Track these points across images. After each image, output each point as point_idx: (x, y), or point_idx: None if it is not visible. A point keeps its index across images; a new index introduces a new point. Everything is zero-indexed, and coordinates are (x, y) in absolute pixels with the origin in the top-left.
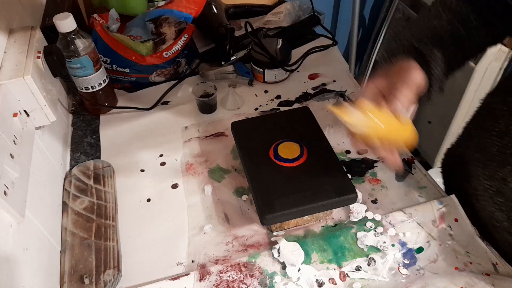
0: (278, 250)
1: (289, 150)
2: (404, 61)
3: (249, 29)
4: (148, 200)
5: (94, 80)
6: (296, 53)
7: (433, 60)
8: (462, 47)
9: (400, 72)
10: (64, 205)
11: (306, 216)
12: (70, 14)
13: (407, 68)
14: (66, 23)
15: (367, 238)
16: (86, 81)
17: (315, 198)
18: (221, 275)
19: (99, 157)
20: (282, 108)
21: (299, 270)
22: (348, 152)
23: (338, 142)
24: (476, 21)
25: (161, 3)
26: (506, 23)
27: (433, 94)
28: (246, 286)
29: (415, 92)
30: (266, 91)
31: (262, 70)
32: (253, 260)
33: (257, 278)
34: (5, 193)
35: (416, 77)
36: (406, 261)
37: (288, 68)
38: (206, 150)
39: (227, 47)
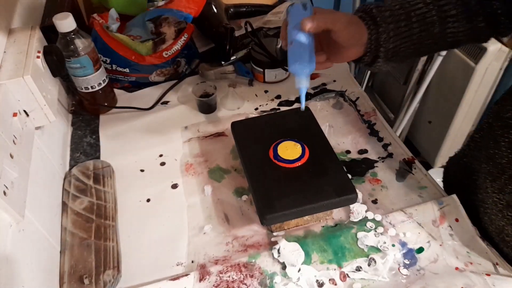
0: (278, 250)
1: (290, 150)
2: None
3: (249, 29)
4: (148, 200)
5: (93, 80)
6: None
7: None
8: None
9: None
10: (64, 205)
11: (306, 216)
12: (69, 13)
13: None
14: (65, 22)
15: (367, 238)
16: (85, 81)
17: (315, 198)
18: (221, 275)
19: (98, 157)
20: (282, 108)
21: (299, 270)
22: (348, 152)
23: (338, 142)
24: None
25: (160, 3)
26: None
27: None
28: (246, 287)
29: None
30: (266, 91)
31: (262, 70)
32: (253, 261)
33: (257, 279)
34: (4, 193)
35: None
36: (407, 261)
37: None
38: (206, 150)
39: (227, 47)
